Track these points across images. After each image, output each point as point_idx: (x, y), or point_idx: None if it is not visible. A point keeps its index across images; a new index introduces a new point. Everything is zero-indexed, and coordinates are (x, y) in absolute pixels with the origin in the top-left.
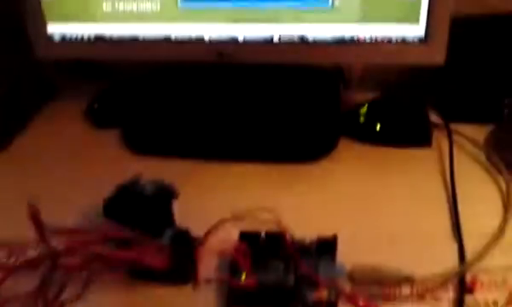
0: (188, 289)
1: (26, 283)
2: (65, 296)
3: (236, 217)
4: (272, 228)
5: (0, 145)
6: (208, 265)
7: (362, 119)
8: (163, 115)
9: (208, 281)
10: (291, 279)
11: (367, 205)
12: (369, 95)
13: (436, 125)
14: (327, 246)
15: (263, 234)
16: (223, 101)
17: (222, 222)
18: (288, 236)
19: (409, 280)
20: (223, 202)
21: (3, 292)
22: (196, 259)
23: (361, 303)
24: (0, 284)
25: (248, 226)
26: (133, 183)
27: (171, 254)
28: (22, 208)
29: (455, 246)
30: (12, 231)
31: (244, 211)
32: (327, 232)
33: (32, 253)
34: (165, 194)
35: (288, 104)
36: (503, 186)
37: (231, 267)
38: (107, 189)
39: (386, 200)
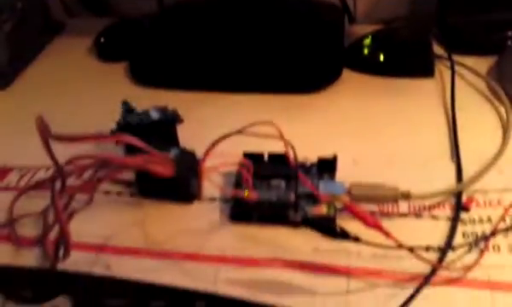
0: (192, 207)
1: (37, 204)
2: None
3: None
4: (275, 147)
5: (6, 80)
6: (211, 185)
7: (365, 51)
8: (168, 49)
9: (212, 200)
10: (292, 195)
11: (368, 130)
12: (373, 29)
13: (439, 57)
14: (327, 166)
15: (266, 155)
16: (227, 33)
17: (225, 137)
18: (290, 153)
19: (406, 196)
20: (225, 130)
21: (15, 212)
22: (201, 175)
23: (358, 210)
24: (12, 205)
25: (252, 146)
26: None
27: (176, 165)
28: (30, 138)
29: (453, 167)
30: (21, 160)
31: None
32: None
33: (42, 176)
34: (170, 119)
35: (292, 36)
36: (504, 115)
37: (236, 182)
38: (113, 120)
39: (387, 126)
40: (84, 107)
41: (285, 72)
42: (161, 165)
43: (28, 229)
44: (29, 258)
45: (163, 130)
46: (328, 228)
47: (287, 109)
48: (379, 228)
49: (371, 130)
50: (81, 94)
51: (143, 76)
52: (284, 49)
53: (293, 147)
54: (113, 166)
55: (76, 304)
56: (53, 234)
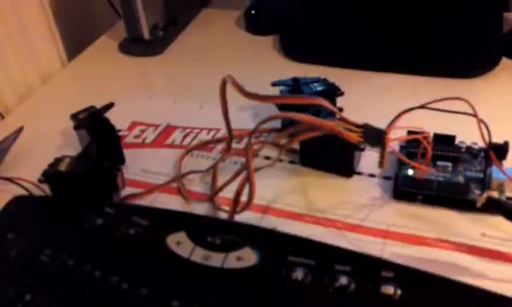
0: (351, 181)
1: (200, 163)
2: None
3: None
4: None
5: (162, 46)
6: (371, 160)
7: None
8: (321, 23)
9: (371, 176)
10: (460, 178)
11: None
12: None
13: None
14: (497, 151)
15: (431, 134)
16: (383, 10)
17: (407, 111)
18: (483, 132)
19: None
20: (381, 108)
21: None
22: (385, 147)
23: None
24: (180, 161)
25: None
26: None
27: (364, 133)
28: (187, 100)
29: None
30: (182, 121)
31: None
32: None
33: (204, 137)
34: (331, 90)
35: (450, 19)
36: None
37: (399, 159)
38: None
39: None
40: (224, 73)
41: (443, 56)
42: (352, 131)
43: (195, 185)
44: (200, 211)
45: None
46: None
47: (443, 93)
48: None
49: None
50: (230, 64)
51: (294, 50)
52: (442, 32)
53: (487, 127)
54: (305, 127)
55: (261, 257)
56: (223, 193)
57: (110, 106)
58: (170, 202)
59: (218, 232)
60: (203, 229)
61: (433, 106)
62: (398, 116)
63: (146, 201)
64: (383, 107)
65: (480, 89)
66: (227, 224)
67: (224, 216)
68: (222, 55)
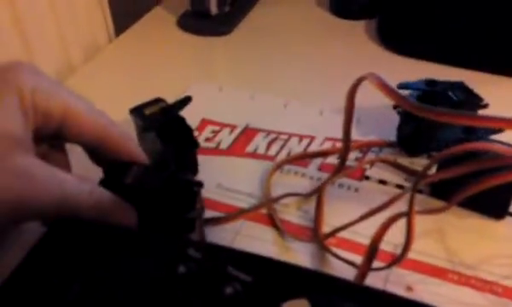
0: (504, 224)
1: (292, 180)
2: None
3: None
4: None
5: (225, 28)
6: None
7: None
8: (433, 6)
9: None
10: None
11: None
12: None
13: None
14: None
15: None
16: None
17: None
18: None
19: None
20: None
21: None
22: None
23: None
24: (269, 179)
25: None
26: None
27: None
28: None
29: None
30: (260, 119)
31: None
32: None
33: (295, 146)
34: (472, 101)
35: None
36: None
37: None
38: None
39: None
40: (312, 64)
41: None
42: None
43: (290, 213)
44: (301, 253)
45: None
46: None
47: None
48: None
49: None
50: (314, 52)
51: (395, 39)
52: None
53: None
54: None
55: None
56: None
57: (187, 101)
58: (257, 233)
59: (354, 301)
60: (330, 296)
61: None
62: None
63: (226, 231)
64: None
65: None
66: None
67: (340, 268)
68: (301, 40)
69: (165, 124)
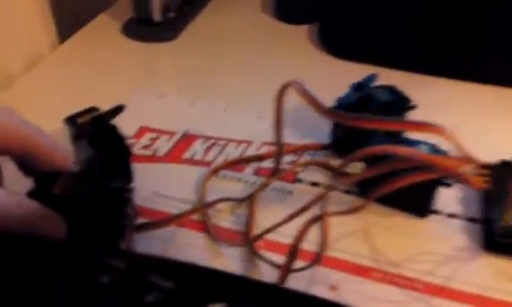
0: (427, 222)
1: (228, 185)
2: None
3: None
4: None
5: (169, 35)
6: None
7: None
8: (371, 12)
9: (452, 216)
10: None
11: None
12: None
13: None
14: None
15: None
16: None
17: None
18: None
19: None
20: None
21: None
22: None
23: None
24: (204, 184)
25: None
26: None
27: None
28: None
29: None
30: (202, 126)
31: None
32: None
33: (232, 151)
34: (399, 103)
35: None
36: None
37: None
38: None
39: None
40: (254, 70)
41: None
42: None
43: (224, 219)
44: (232, 257)
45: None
46: None
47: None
48: None
49: None
50: (257, 57)
51: (336, 44)
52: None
53: None
54: (397, 165)
55: None
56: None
57: (119, 109)
58: (190, 240)
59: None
60: (250, 300)
61: None
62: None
63: (158, 238)
64: (451, 119)
65: None
66: (295, 297)
67: (268, 271)
68: (246, 46)
69: (96, 132)
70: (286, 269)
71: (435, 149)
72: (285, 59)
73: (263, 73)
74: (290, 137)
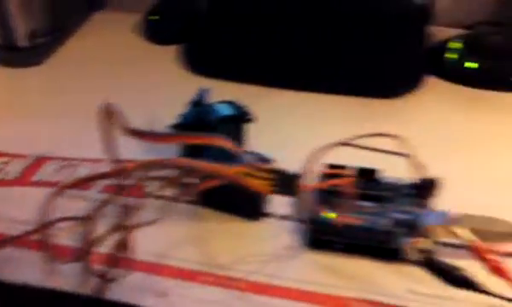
0: (260, 225)
1: (75, 206)
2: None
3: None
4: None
5: (34, 59)
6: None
7: (452, 57)
8: (229, 34)
9: (283, 218)
10: (386, 222)
11: (454, 147)
12: (456, 32)
13: None
14: (424, 190)
15: (351, 169)
16: (299, 22)
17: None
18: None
19: None
20: (295, 131)
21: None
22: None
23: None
24: (47, 204)
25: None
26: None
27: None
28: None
29: None
30: (58, 148)
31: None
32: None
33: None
34: (240, 116)
35: (370, 35)
36: None
37: (319, 199)
38: (163, 108)
39: (479, 143)
40: (127, 92)
41: (363, 76)
42: (260, 179)
43: (66, 237)
44: (66, 277)
45: (230, 127)
46: (449, 274)
47: (363, 113)
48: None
49: (458, 148)
50: (123, 78)
51: (199, 63)
52: (360, 50)
53: (418, 163)
54: (199, 174)
55: None
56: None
57: None
58: (28, 259)
59: None
60: None
61: (356, 142)
62: (311, 161)
63: None
64: (298, 128)
65: (401, 110)
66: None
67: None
68: (113, 68)
69: None
70: (104, 279)
71: (260, 158)
72: (151, 77)
73: (127, 93)
74: (139, 153)
